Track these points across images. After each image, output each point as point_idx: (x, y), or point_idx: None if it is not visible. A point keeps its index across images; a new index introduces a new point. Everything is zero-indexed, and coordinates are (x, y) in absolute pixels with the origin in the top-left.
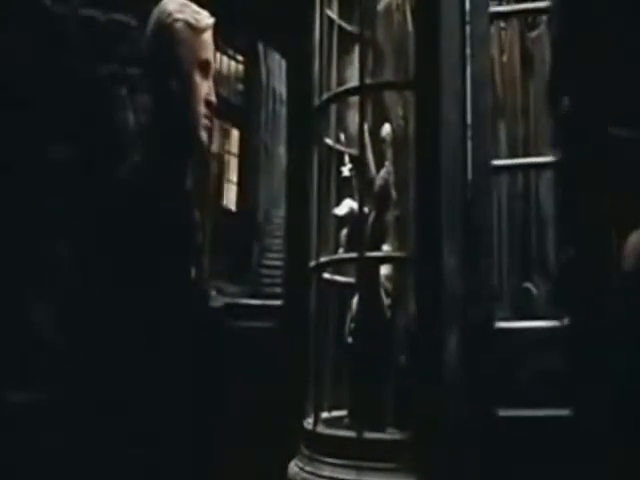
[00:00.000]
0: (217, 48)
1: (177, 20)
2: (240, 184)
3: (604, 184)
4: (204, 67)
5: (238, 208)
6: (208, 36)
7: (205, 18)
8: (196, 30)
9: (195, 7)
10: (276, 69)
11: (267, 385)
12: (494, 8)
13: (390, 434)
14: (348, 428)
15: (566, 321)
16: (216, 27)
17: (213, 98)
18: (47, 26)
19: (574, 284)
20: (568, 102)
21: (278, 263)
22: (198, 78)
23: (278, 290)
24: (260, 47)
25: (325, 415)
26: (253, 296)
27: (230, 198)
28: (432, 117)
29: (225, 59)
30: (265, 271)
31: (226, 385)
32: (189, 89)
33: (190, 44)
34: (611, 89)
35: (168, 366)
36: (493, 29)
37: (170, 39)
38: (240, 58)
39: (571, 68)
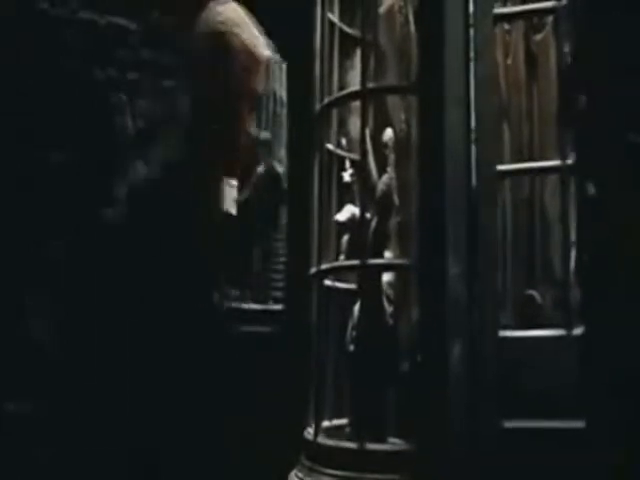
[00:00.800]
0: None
1: (234, 34)
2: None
3: (621, 187)
4: (252, 100)
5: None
6: (265, 69)
7: (264, 47)
8: (253, 58)
9: (252, 27)
10: (276, 72)
11: (267, 392)
12: (498, 10)
13: (392, 445)
14: (349, 438)
15: (580, 329)
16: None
17: (253, 131)
18: (45, 29)
19: (590, 292)
20: (584, 102)
21: (280, 267)
22: (244, 110)
23: (279, 294)
24: None
25: (326, 424)
26: (254, 300)
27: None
28: (436, 121)
29: None
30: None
31: (226, 391)
32: (232, 122)
33: (244, 71)
34: (627, 89)
35: (169, 371)
36: (497, 31)
37: (222, 55)
38: None
39: (587, 67)
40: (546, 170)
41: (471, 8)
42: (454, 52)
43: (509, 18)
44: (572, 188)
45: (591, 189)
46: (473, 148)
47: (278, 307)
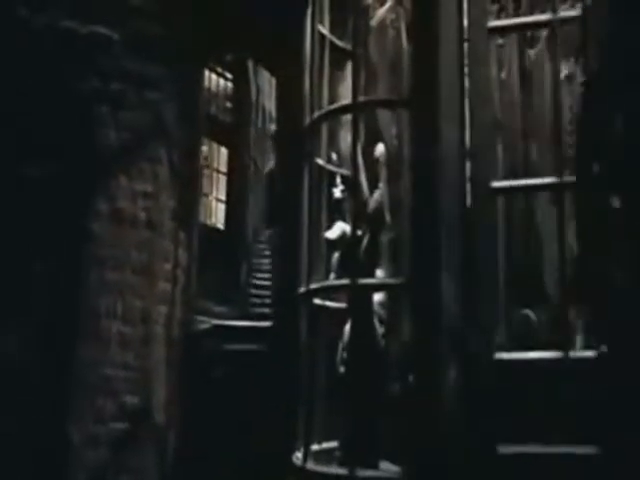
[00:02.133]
0: None
1: None
2: (229, 202)
3: None
4: None
5: (226, 227)
6: None
7: None
8: None
9: None
10: (265, 86)
11: (254, 413)
12: (492, 23)
13: (384, 472)
14: (339, 462)
15: (603, 351)
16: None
17: None
18: (25, 38)
19: (610, 315)
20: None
21: (267, 283)
22: None
23: (267, 311)
24: (249, 64)
25: (315, 447)
26: (241, 317)
27: (219, 217)
28: (430, 136)
29: (214, 77)
30: (254, 291)
31: (211, 413)
32: None
33: None
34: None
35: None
36: (492, 46)
37: None
38: (229, 75)
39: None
40: (542, 187)
41: (465, 22)
42: (448, 66)
43: (503, 31)
44: (567, 205)
45: (616, 202)
46: (468, 164)
47: (265, 324)
